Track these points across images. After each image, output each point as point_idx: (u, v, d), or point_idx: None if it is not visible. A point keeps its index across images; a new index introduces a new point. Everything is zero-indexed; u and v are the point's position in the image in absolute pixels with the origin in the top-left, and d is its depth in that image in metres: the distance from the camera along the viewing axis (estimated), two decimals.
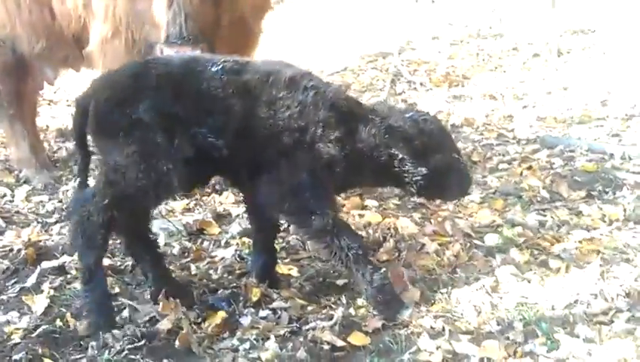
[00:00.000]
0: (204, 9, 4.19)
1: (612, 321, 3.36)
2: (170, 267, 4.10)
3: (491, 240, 4.30)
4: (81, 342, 3.44)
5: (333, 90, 3.58)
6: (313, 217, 3.43)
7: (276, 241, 4.12)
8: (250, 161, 3.49)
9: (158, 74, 3.43)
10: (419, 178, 3.52)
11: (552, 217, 4.68)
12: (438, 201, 5.02)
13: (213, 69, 3.44)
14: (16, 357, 3.32)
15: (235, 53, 4.81)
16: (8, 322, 3.64)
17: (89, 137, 3.59)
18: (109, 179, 3.42)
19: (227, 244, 4.43)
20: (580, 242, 4.26)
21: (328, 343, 3.29)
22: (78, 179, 3.74)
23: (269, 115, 3.41)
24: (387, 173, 3.60)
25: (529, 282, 3.77)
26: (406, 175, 3.54)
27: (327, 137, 3.44)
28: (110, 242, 4.31)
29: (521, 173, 5.55)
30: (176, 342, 3.35)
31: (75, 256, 4.13)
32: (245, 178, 3.61)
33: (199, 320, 3.55)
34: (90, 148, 3.62)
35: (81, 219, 3.46)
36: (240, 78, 3.44)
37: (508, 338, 3.27)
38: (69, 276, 4.08)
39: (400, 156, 3.49)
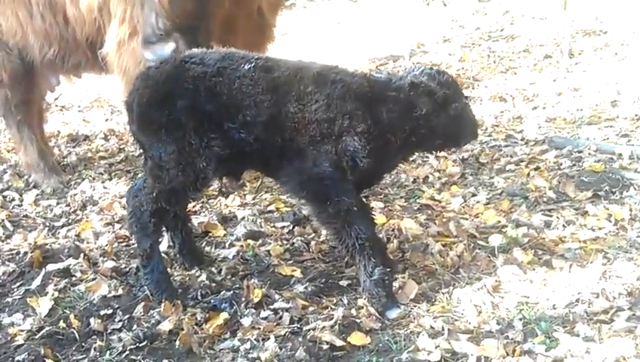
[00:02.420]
0: (180, 3, 4.21)
1: (612, 320, 3.34)
2: (175, 267, 4.14)
3: (495, 240, 4.28)
4: (84, 344, 3.48)
5: (357, 82, 3.68)
6: (329, 203, 3.54)
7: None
8: (279, 153, 3.62)
9: (194, 73, 3.57)
10: (442, 130, 3.68)
11: (557, 217, 4.65)
12: (444, 202, 5.07)
13: (246, 66, 3.58)
14: (18, 358, 3.38)
15: (252, 44, 4.90)
16: (12, 324, 3.69)
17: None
18: (154, 173, 3.65)
19: (231, 246, 4.44)
20: (585, 242, 4.23)
21: (328, 343, 3.30)
22: None
23: (298, 108, 3.54)
24: (417, 136, 3.68)
25: (531, 282, 3.75)
26: (433, 130, 3.66)
27: (353, 129, 3.55)
28: (115, 244, 4.42)
29: (529, 174, 5.52)
30: (177, 343, 3.38)
31: (80, 259, 4.21)
32: (274, 169, 3.77)
33: (201, 321, 3.57)
34: None
35: (134, 209, 3.76)
36: (270, 74, 3.60)
37: (507, 337, 3.26)
38: (73, 278, 4.12)
39: (425, 111, 3.58)
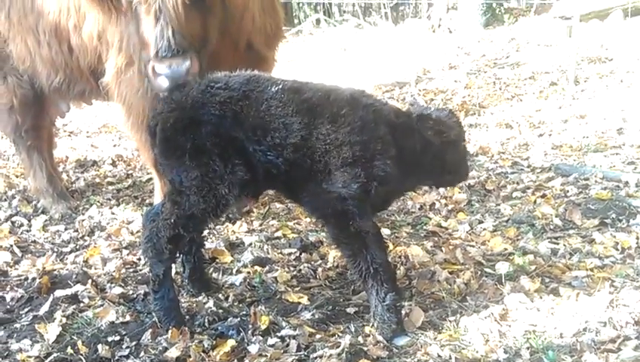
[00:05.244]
0: (191, 23, 4.19)
1: (620, 349, 3.33)
2: (182, 294, 4.15)
3: (502, 268, 4.28)
4: None
5: (387, 108, 3.78)
6: (351, 223, 3.53)
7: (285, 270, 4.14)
8: (306, 173, 3.60)
9: (220, 98, 3.56)
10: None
11: (564, 245, 4.66)
12: (450, 229, 5.08)
13: (274, 88, 3.59)
14: None
15: None
16: (21, 350, 3.68)
17: None
18: (173, 199, 3.62)
19: (238, 272, 4.45)
20: (592, 270, 4.23)
21: None
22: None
23: (331, 130, 3.54)
24: (433, 169, 3.84)
25: (538, 310, 3.75)
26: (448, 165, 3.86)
27: (386, 153, 3.59)
28: (123, 271, 4.43)
29: (535, 201, 5.54)
30: None
31: (88, 285, 4.22)
32: (298, 189, 3.75)
33: (208, 348, 3.56)
34: None
35: (151, 234, 3.71)
36: (300, 96, 3.60)
37: None
38: (81, 304, 4.12)
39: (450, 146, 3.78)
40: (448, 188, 5.79)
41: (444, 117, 3.74)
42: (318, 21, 16.67)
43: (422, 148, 3.71)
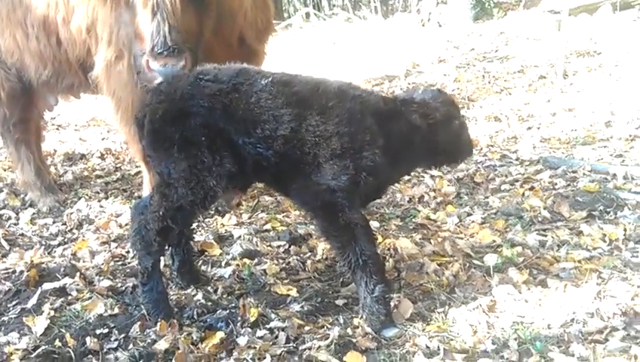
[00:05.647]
0: (187, 20, 4.18)
1: (607, 340, 3.35)
2: (171, 286, 4.14)
3: (491, 260, 4.29)
4: None
5: (374, 98, 3.76)
6: (340, 215, 3.52)
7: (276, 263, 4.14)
8: (296, 165, 3.59)
9: (209, 91, 3.54)
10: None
11: (552, 237, 4.68)
12: (439, 222, 5.09)
13: (263, 81, 3.58)
14: None
15: None
16: (8, 342, 3.66)
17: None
18: (162, 191, 3.60)
19: (227, 265, 4.45)
20: (579, 262, 4.25)
21: None
22: None
23: (320, 122, 3.52)
24: (426, 151, 3.84)
25: (526, 301, 3.76)
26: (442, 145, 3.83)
27: (373, 144, 3.58)
28: (111, 263, 4.41)
29: (523, 194, 5.56)
30: None
31: (77, 278, 4.20)
32: (287, 181, 3.72)
33: (197, 340, 3.55)
34: None
35: (139, 227, 3.69)
36: (290, 88, 3.60)
37: (502, 357, 3.26)
38: (69, 297, 4.10)
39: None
40: (437, 179, 5.82)
41: (429, 98, 3.75)
42: (307, 15, 16.68)
43: (410, 133, 3.70)
